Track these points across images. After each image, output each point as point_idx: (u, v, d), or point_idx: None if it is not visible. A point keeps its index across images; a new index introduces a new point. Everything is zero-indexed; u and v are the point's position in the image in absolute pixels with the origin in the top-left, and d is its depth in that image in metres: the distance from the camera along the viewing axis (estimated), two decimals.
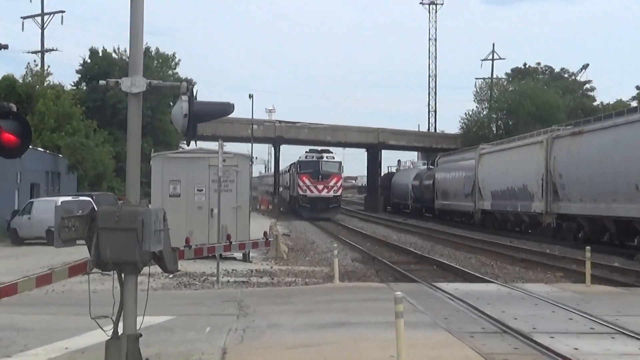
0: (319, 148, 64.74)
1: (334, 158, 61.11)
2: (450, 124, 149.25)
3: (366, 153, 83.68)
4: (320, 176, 58.94)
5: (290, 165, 69.08)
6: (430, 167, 65.45)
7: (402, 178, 71.54)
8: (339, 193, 60.08)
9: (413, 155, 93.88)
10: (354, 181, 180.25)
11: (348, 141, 78.10)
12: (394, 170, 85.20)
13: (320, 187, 58.95)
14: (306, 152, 63.30)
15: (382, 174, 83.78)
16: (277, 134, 73.04)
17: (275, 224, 40.71)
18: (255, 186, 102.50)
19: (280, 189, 74.75)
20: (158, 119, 61.09)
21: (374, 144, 78.01)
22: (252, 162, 41.33)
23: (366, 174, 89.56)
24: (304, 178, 59.49)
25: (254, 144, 67.60)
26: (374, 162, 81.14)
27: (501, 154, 44.21)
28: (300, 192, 59.60)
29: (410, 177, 67.41)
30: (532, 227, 38.97)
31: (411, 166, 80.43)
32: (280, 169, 76.51)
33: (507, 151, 43.34)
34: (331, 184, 59.16)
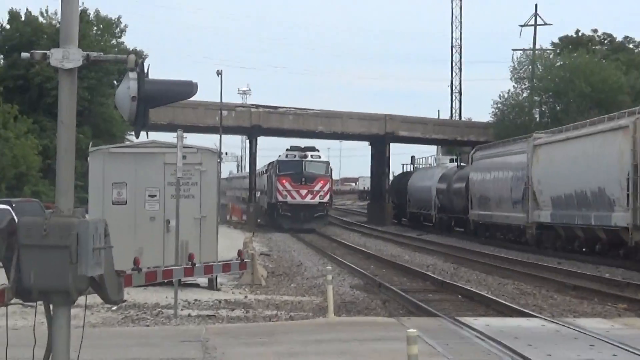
0: (302, 145, 67.18)
1: (320, 157, 64.82)
2: (479, 109, 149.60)
3: (370, 147, 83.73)
4: (303, 179, 62.50)
5: (269, 165, 69.98)
6: (462, 164, 65.05)
7: (423, 180, 70.70)
8: (326, 199, 63.65)
9: (430, 151, 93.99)
10: (353, 184, 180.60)
11: (346, 132, 78.17)
12: (409, 169, 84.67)
13: (304, 192, 62.44)
14: (287, 149, 66.15)
15: (393, 175, 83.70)
16: (253, 123, 73.07)
17: (251, 240, 40.73)
18: (225, 190, 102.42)
19: (257, 194, 74.99)
20: (98, 102, 61.01)
21: (381, 135, 78.11)
22: (221, 159, 41.03)
23: (370, 175, 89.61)
24: (284, 181, 62.87)
25: (223, 136, 67.54)
26: (380, 159, 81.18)
27: (565, 145, 41.87)
28: (280, 199, 62.91)
29: (434, 178, 66.61)
30: (612, 248, 36.89)
31: (434, 164, 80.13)
32: (258, 168, 76.66)
33: (574, 141, 41.00)
34: (317, 188, 62.70)
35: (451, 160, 74.93)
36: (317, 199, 62.60)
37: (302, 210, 62.22)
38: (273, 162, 67.69)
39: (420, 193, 69.80)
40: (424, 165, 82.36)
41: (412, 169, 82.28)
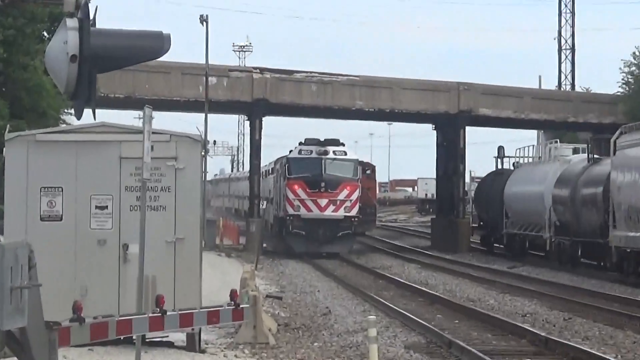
0: (322, 138, 68.70)
1: (345, 154, 67.40)
2: (602, 75, 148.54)
3: (435, 133, 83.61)
4: (322, 184, 64.96)
5: (276, 163, 70.66)
6: (597, 157, 63.43)
7: (529, 182, 68.32)
8: (353, 212, 66.12)
9: (527, 138, 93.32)
10: (410, 190, 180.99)
11: (398, 109, 78.17)
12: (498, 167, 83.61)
13: (323, 202, 65.01)
14: (300, 143, 68.33)
15: (471, 175, 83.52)
16: (256, 95, 73.08)
17: (252, 274, 40.73)
18: (212, 199, 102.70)
19: (263, 204, 75.26)
20: (19, 64, 61.32)
21: (452, 114, 78.01)
22: (207, 151, 40.73)
23: (435, 176, 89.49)
24: (295, 187, 65.34)
25: (211, 116, 67.81)
26: (450, 151, 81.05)
27: None
28: (290, 211, 65.28)
29: (547, 179, 64.69)
30: None
31: (547, 156, 77.36)
32: (263, 165, 76.84)
33: None
34: (341, 196, 65.41)
35: (575, 151, 71.90)
36: (341, 212, 64.82)
37: (321, 227, 64.38)
38: (282, 158, 68.83)
39: (523, 203, 67.52)
40: (523, 160, 79.19)
41: (515, 167, 79.30)
